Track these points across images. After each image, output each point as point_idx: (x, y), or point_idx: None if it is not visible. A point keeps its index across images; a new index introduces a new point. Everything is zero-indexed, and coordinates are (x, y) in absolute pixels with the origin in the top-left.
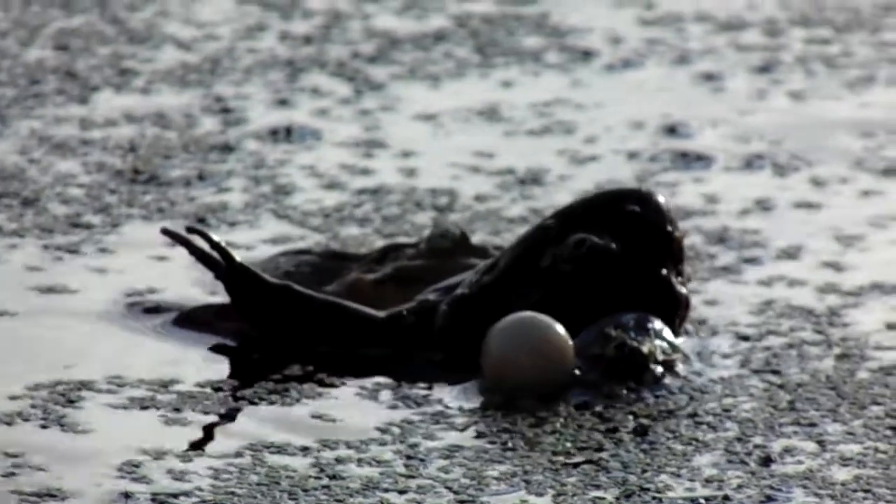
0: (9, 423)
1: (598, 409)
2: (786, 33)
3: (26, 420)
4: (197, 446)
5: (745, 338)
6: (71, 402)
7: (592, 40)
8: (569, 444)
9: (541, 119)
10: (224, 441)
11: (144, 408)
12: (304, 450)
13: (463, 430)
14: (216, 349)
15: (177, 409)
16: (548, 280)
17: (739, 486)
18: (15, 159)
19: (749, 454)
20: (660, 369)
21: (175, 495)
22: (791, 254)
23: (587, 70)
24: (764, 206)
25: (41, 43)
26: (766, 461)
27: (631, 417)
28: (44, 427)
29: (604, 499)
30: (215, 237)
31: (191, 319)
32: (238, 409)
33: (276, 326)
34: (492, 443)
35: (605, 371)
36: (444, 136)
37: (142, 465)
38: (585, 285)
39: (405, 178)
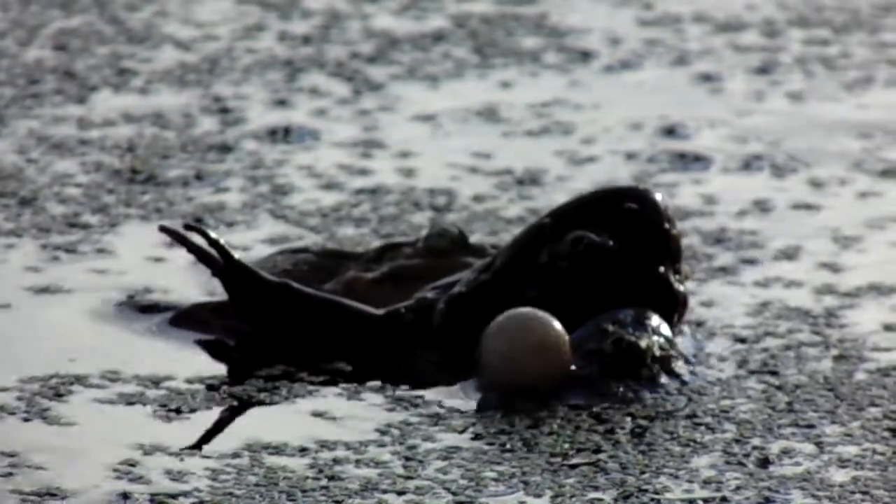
0: (1, 420)
1: (596, 409)
2: (784, 34)
3: (25, 421)
4: (195, 446)
5: (743, 339)
6: (61, 396)
7: (591, 41)
8: (567, 446)
9: (539, 119)
10: (222, 441)
11: (142, 406)
12: (303, 450)
13: (461, 431)
14: (213, 347)
15: (174, 409)
16: (545, 277)
17: (737, 488)
18: (13, 159)
19: (747, 455)
20: (657, 366)
21: (173, 496)
22: (789, 255)
23: (586, 70)
24: (762, 207)
25: (40, 43)
26: (764, 462)
27: (629, 419)
28: (43, 423)
29: (602, 500)
30: (213, 234)
31: (188, 318)
32: (236, 409)
33: (274, 324)
34: (490, 444)
35: (602, 366)
36: (443, 137)
37: (140, 465)
38: (583, 282)
39: (403, 179)
